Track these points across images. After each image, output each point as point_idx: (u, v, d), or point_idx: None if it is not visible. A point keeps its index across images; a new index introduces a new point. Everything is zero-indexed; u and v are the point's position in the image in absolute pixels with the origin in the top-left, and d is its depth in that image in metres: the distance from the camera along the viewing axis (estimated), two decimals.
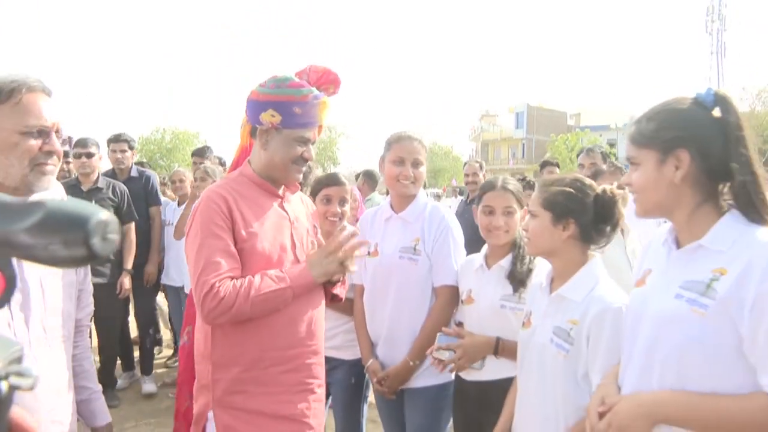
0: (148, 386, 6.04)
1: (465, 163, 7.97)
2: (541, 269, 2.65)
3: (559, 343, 2.20)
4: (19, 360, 0.70)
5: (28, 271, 1.84)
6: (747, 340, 1.58)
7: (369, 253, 3.22)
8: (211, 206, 2.30)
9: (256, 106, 2.40)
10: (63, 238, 0.55)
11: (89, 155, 5.32)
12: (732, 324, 1.59)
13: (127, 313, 6.24)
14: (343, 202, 3.42)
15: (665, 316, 1.73)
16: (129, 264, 5.69)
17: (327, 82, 2.48)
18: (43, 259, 0.57)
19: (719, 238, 1.69)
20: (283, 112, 2.36)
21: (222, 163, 7.07)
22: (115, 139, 6.21)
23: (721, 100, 1.74)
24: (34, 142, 1.79)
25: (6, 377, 0.67)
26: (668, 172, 1.75)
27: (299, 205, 2.63)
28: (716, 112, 1.75)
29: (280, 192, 2.51)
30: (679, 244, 1.82)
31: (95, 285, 2.45)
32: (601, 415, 1.81)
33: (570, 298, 2.23)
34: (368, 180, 8.53)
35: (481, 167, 7.49)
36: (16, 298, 1.77)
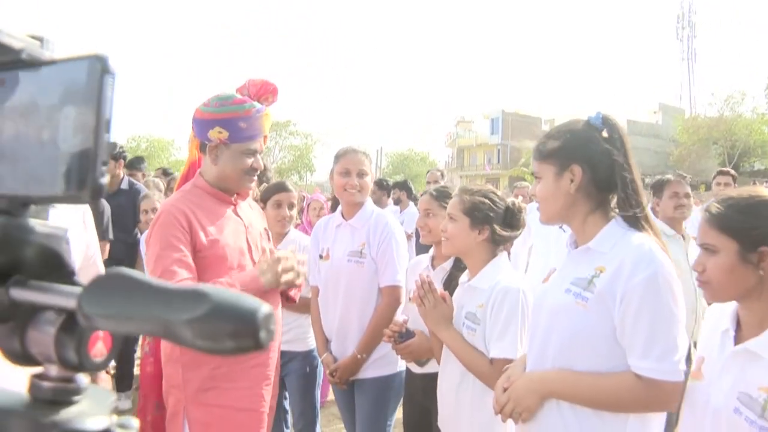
0: (123, 403, 5.75)
1: (428, 171, 8.32)
2: None
3: (469, 324, 2.56)
4: (116, 410, 0.69)
5: None
6: (618, 327, 1.87)
7: (321, 257, 3.48)
8: (170, 219, 2.46)
9: (203, 124, 2.56)
10: (232, 331, 0.55)
11: None
12: (608, 314, 1.88)
13: None
14: (291, 206, 3.87)
15: (556, 307, 2.02)
16: None
17: (266, 92, 2.67)
18: (205, 350, 0.56)
19: (603, 241, 1.97)
20: (229, 128, 2.53)
21: (167, 173, 7.10)
22: None
23: (607, 122, 2.03)
24: None
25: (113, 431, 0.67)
26: (564, 184, 2.02)
27: (250, 210, 2.82)
28: (605, 133, 2.03)
29: (233, 199, 2.69)
30: (576, 246, 2.10)
31: None
32: (506, 390, 2.10)
33: (479, 287, 2.59)
34: None
35: (442, 175, 7.97)
36: None
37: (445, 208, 3.04)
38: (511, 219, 2.67)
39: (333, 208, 4.23)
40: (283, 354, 3.70)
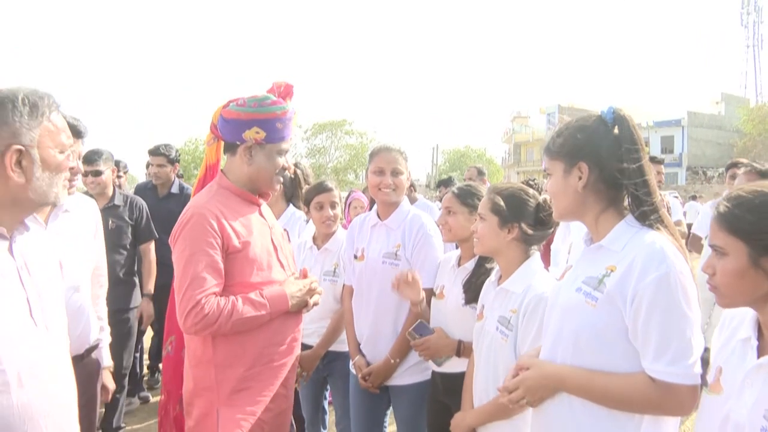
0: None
1: (467, 169, 8.29)
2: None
3: (502, 330, 2.52)
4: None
5: (36, 271, 1.84)
6: (630, 328, 1.83)
7: (356, 257, 3.46)
8: (202, 223, 2.46)
9: (239, 124, 2.58)
10: None
11: (96, 173, 4.69)
12: (619, 314, 1.84)
13: (139, 339, 5.65)
14: (333, 206, 3.80)
15: (567, 305, 2.00)
16: (149, 287, 5.08)
17: (288, 93, 2.71)
18: None
19: (615, 240, 1.94)
20: (267, 129, 2.57)
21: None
22: (154, 152, 5.80)
23: (618, 118, 1.98)
24: (66, 161, 1.85)
25: None
26: (573, 181, 2.00)
27: (269, 210, 2.85)
28: (615, 129, 1.98)
29: (258, 200, 2.73)
30: (592, 244, 2.06)
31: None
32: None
33: (512, 290, 2.55)
34: None
35: (479, 172, 7.81)
36: (34, 295, 1.79)
37: (467, 206, 3.05)
38: (543, 217, 2.63)
39: (372, 207, 4.18)
40: (327, 354, 3.75)
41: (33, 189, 1.77)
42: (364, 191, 7.14)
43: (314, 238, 3.95)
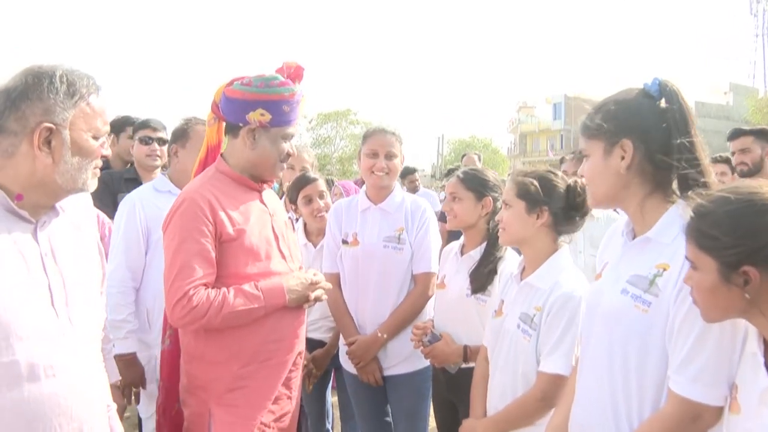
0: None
1: (463, 155, 8.20)
2: (511, 262, 2.80)
3: (524, 328, 2.34)
4: None
5: (62, 259, 1.73)
6: (668, 328, 1.64)
7: (347, 243, 3.30)
8: (194, 209, 2.32)
9: (243, 105, 2.41)
10: None
11: (162, 141, 3.97)
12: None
13: None
14: (321, 195, 3.62)
15: (612, 311, 1.78)
16: None
17: (298, 75, 2.54)
18: None
19: (664, 231, 1.72)
20: (273, 111, 2.41)
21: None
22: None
23: (665, 90, 1.77)
24: (99, 148, 1.75)
25: None
26: (614, 161, 1.78)
27: (273, 197, 2.69)
28: (662, 102, 1.77)
29: (259, 186, 2.57)
30: (635, 235, 1.84)
31: None
32: None
33: (537, 285, 2.36)
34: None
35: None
36: (57, 284, 1.68)
37: (473, 191, 2.92)
38: (574, 200, 2.40)
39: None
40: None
41: (60, 173, 1.66)
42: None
43: (308, 235, 3.75)
